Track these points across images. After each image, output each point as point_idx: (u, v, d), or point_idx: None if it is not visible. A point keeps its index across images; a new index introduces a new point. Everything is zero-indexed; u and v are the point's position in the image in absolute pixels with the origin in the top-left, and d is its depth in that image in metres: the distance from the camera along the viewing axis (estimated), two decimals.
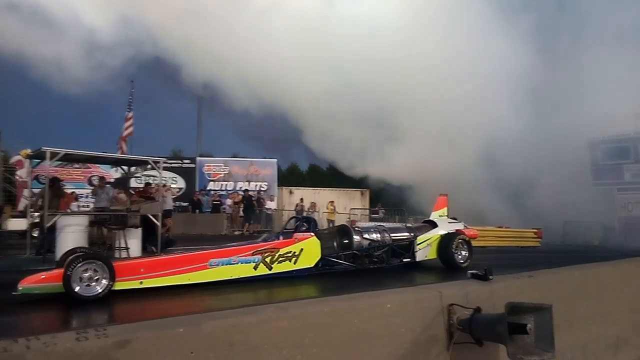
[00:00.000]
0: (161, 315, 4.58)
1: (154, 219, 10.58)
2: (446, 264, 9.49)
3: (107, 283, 6.15)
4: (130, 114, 21.71)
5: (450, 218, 10.85)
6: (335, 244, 9.25)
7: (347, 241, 9.20)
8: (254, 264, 7.51)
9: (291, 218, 10.10)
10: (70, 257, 6.40)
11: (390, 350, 4.62)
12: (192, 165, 24.94)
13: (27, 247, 10.66)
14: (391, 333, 4.65)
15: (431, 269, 9.58)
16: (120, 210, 10.69)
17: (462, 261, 9.40)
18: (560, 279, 6.64)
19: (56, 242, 9.62)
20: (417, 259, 9.51)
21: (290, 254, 7.89)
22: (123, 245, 10.03)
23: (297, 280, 7.84)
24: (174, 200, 20.86)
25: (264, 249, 7.71)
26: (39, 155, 10.18)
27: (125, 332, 3.25)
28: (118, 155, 14.41)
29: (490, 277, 5.77)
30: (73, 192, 16.68)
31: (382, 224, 11.38)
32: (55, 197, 11.06)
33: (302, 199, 24.69)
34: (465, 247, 9.57)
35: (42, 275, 6.04)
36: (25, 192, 17.57)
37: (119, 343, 3.10)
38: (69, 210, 11.81)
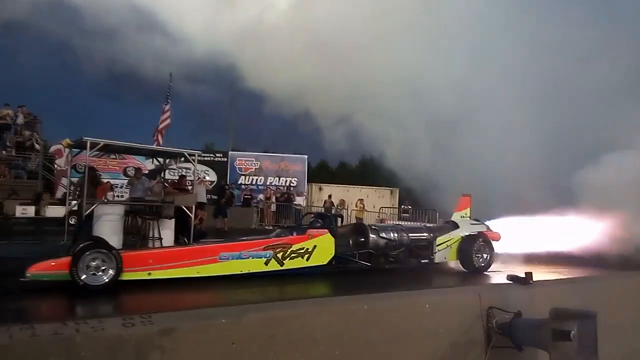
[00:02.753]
0: (200, 306, 4.62)
1: (187, 211, 10.69)
2: (466, 267, 9.21)
3: (113, 273, 6.06)
4: (168, 107, 21.94)
5: (473, 219, 10.57)
6: (350, 241, 8.95)
7: (363, 239, 8.88)
8: (265, 259, 7.38)
9: (306, 214, 9.90)
10: (79, 247, 6.27)
11: (427, 351, 4.56)
12: (224, 159, 25.18)
13: (65, 234, 10.89)
14: (429, 334, 4.60)
15: (453, 271, 9.27)
16: (155, 201, 10.82)
17: (482, 264, 9.13)
18: (602, 286, 6.46)
19: (93, 230, 9.79)
20: (436, 261, 9.14)
21: (303, 251, 7.73)
22: (157, 235, 10.16)
23: (310, 277, 7.69)
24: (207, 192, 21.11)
25: (276, 245, 7.56)
26: (79, 145, 10.37)
27: (170, 320, 3.30)
28: (155, 147, 14.63)
29: (531, 281, 5.65)
30: (108, 181, 17.02)
31: (400, 223, 11.07)
32: (93, 186, 11.26)
33: (330, 196, 24.61)
34: (486, 250, 9.24)
35: (52, 262, 5.98)
36: (64, 181, 17.99)
37: (163, 330, 3.14)
38: (105, 200, 12.03)
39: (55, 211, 16.12)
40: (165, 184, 12.57)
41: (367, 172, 31.94)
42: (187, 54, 24.17)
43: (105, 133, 9.45)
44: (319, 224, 8.43)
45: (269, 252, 7.40)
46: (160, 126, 21.55)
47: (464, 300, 4.97)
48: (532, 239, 10.32)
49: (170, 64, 23.80)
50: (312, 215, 9.32)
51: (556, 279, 6.21)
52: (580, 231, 10.38)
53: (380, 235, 8.92)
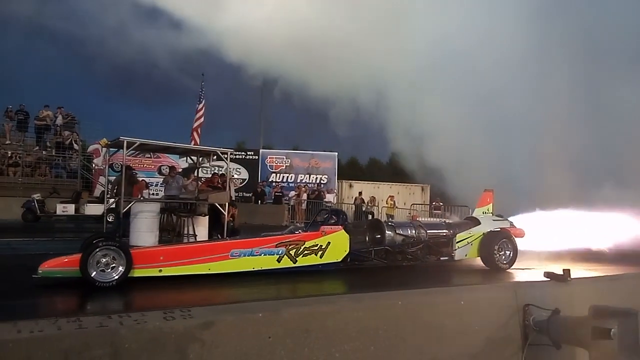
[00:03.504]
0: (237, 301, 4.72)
1: (220, 208, 10.86)
2: (487, 264, 8.88)
3: (123, 270, 6.02)
4: (201, 106, 22.42)
5: (496, 215, 10.23)
6: (366, 238, 8.74)
7: (379, 236, 8.67)
8: (278, 256, 7.26)
9: (320, 210, 9.62)
10: (90, 243, 6.28)
11: (462, 347, 4.53)
12: (255, 157, 25.49)
13: (104, 231, 11.19)
14: (464, 330, 4.57)
15: (472, 268, 8.95)
16: (189, 199, 11.05)
17: (505, 262, 8.82)
18: None
19: (130, 227, 10.03)
20: (456, 258, 8.86)
21: (316, 247, 7.58)
22: (191, 232, 10.37)
23: (325, 274, 7.47)
24: (237, 191, 21.38)
25: (289, 241, 7.43)
26: (116, 145, 10.66)
27: (209, 314, 3.38)
28: (189, 145, 14.92)
29: (569, 278, 5.54)
30: (144, 180, 17.45)
31: (418, 219, 10.74)
32: (129, 184, 11.54)
33: (360, 193, 24.61)
34: (509, 247, 8.87)
35: (64, 259, 5.94)
36: (101, 179, 18.54)
37: (203, 324, 3.23)
38: (141, 198, 12.35)
39: (94, 209, 16.75)
40: (199, 182, 12.82)
41: (397, 168, 31.66)
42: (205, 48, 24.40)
43: (123, 133, 9.64)
44: (333, 221, 8.25)
45: (281, 249, 7.31)
46: (195, 125, 22.05)
47: (500, 296, 4.92)
48: (569, 235, 10.03)
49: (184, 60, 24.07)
50: (326, 211, 9.06)
51: (595, 277, 6.07)
52: (620, 227, 10.04)
53: (397, 231, 8.70)
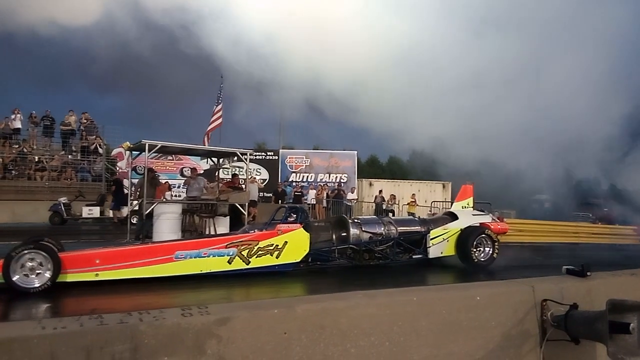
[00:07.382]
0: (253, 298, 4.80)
1: (240, 208, 11.03)
2: (465, 262, 8.52)
3: (49, 277, 5.76)
4: (219, 108, 22.71)
5: (478, 209, 9.84)
6: (331, 237, 8.42)
7: (344, 234, 8.39)
8: (228, 257, 6.91)
9: (279, 208, 9.04)
10: (15, 246, 5.96)
11: (479, 343, 4.54)
12: (275, 158, 25.70)
13: (128, 232, 11.47)
14: (480, 326, 4.57)
15: (448, 267, 8.62)
16: (211, 199, 11.24)
17: (483, 259, 8.38)
18: None
19: (153, 228, 10.27)
20: (430, 256, 8.53)
21: (272, 247, 7.21)
22: (212, 232, 10.55)
23: (282, 276, 7.07)
24: (259, 191, 21.60)
25: (240, 241, 7.10)
26: (138, 148, 10.92)
27: (225, 311, 3.48)
28: (210, 147, 15.08)
29: (588, 273, 5.48)
30: (167, 182, 17.77)
31: (389, 215, 10.50)
32: (152, 186, 11.79)
33: (380, 191, 24.57)
34: (488, 243, 8.51)
35: None
36: (125, 182, 18.97)
37: (219, 320, 3.32)
38: (164, 199, 12.58)
39: (118, 211, 17.08)
40: (220, 183, 13.03)
41: (417, 166, 31.47)
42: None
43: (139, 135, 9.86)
44: (292, 219, 8.02)
45: (233, 250, 7.00)
46: (210, 127, 22.30)
47: (517, 292, 4.90)
48: None
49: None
50: (285, 208, 8.64)
51: (615, 271, 5.97)
52: None
53: (363, 229, 8.41)
